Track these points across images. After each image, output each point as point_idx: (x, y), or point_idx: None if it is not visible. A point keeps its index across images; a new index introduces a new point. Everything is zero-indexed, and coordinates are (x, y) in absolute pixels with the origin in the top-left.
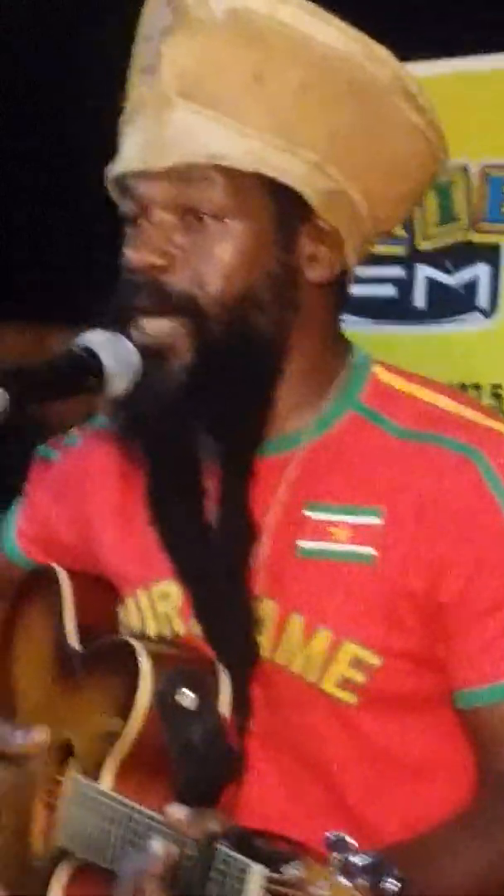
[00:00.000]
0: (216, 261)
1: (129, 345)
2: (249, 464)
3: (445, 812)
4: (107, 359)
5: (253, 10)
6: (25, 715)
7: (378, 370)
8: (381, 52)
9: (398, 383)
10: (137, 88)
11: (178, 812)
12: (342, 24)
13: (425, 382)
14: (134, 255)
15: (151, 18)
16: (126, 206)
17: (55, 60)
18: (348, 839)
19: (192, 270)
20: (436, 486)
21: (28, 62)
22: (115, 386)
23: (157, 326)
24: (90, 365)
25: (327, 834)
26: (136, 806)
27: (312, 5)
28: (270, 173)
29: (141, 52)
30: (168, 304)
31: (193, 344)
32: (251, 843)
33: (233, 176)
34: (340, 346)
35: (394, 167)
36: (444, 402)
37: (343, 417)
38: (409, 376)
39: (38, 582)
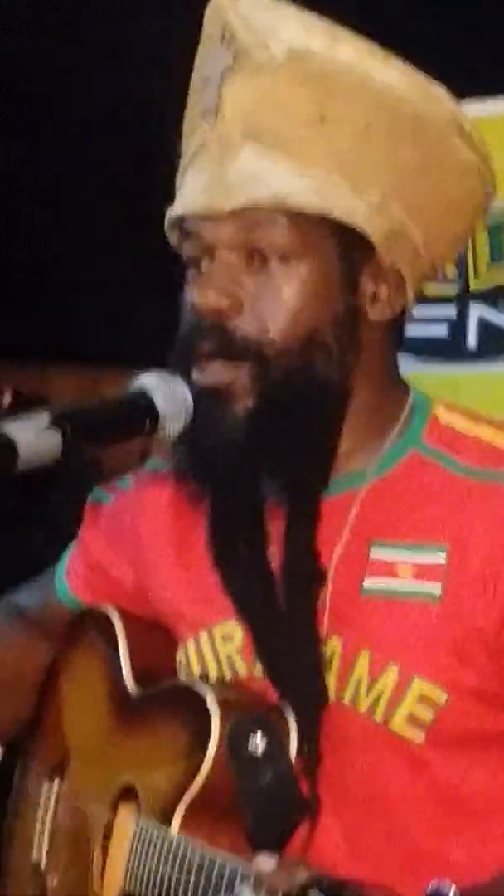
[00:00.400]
0: (282, 303)
1: (184, 387)
2: (315, 507)
3: None
4: (161, 402)
5: (313, 50)
6: (80, 758)
7: (439, 410)
8: (438, 91)
9: (459, 423)
10: (198, 131)
11: (266, 862)
12: (400, 63)
13: (487, 421)
14: (200, 298)
15: (208, 61)
16: (187, 249)
17: (112, 113)
18: (451, 887)
19: (257, 314)
20: (502, 524)
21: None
22: (170, 428)
23: (220, 370)
24: (144, 408)
25: (430, 884)
26: (217, 854)
27: (370, 45)
28: (335, 214)
29: (199, 95)
30: (233, 348)
31: (256, 388)
32: (344, 894)
33: (297, 217)
34: (399, 386)
35: (451, 205)
36: None
37: (405, 456)
38: (471, 415)
39: (89, 623)
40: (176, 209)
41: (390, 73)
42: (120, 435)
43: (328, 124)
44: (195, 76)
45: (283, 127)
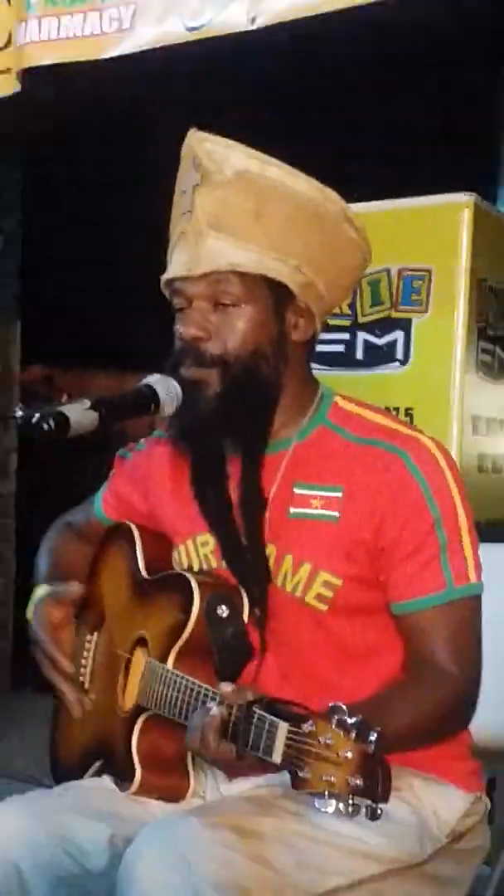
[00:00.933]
0: (236, 331)
1: (176, 384)
2: (259, 460)
3: (381, 680)
4: (161, 392)
5: (251, 170)
6: (111, 619)
7: (338, 399)
8: (332, 193)
9: (351, 407)
10: (180, 224)
11: (226, 686)
12: (308, 177)
13: (367, 406)
14: (184, 330)
15: (184, 178)
16: (175, 300)
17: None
18: (343, 706)
19: (221, 339)
20: (377, 473)
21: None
22: (166, 410)
23: (197, 372)
24: (150, 396)
25: (329, 704)
26: (195, 681)
27: (288, 166)
28: (269, 274)
29: (179, 201)
30: (204, 361)
31: (221, 381)
32: (276, 708)
33: (244, 277)
34: (312, 383)
35: (342, 268)
36: (380, 419)
37: (316, 429)
38: (358, 403)
39: (117, 533)
40: (167, 275)
41: (301, 183)
42: (135, 413)
43: (262, 218)
44: (176, 188)
45: (233, 221)
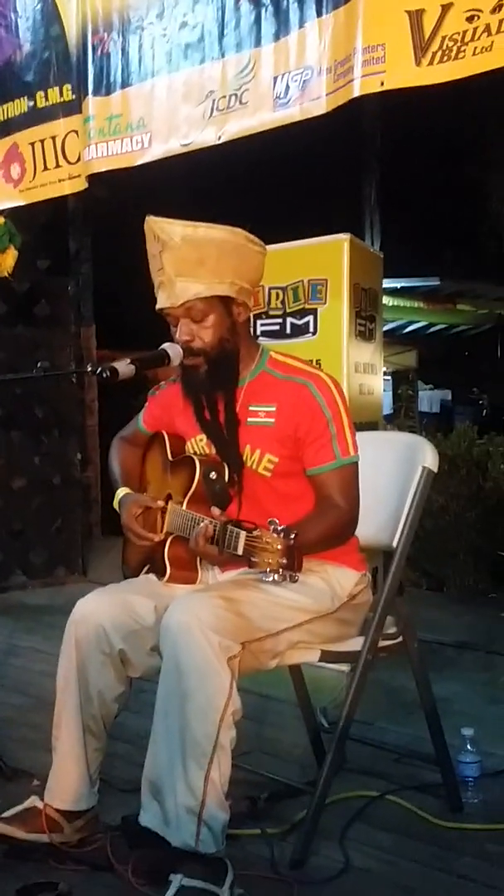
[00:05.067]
0: (207, 332)
1: (179, 347)
2: (234, 393)
3: (303, 513)
4: (170, 352)
5: (188, 234)
6: (153, 483)
7: (272, 353)
8: (238, 230)
9: (280, 357)
10: (157, 277)
11: (215, 510)
12: (222, 226)
13: (289, 356)
14: (178, 338)
15: (151, 246)
16: (168, 319)
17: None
18: (276, 520)
19: (200, 338)
20: (294, 396)
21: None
22: (174, 362)
23: (192, 359)
24: (164, 355)
25: (269, 519)
26: (197, 514)
27: (209, 224)
28: (216, 293)
29: (152, 262)
30: (195, 353)
31: (206, 363)
32: (239, 525)
33: (204, 299)
34: (255, 345)
35: (254, 268)
36: (297, 364)
37: (260, 372)
38: (286, 355)
39: (155, 438)
40: (158, 306)
41: (219, 231)
42: (155, 365)
43: (203, 262)
44: (148, 253)
45: (188, 269)
